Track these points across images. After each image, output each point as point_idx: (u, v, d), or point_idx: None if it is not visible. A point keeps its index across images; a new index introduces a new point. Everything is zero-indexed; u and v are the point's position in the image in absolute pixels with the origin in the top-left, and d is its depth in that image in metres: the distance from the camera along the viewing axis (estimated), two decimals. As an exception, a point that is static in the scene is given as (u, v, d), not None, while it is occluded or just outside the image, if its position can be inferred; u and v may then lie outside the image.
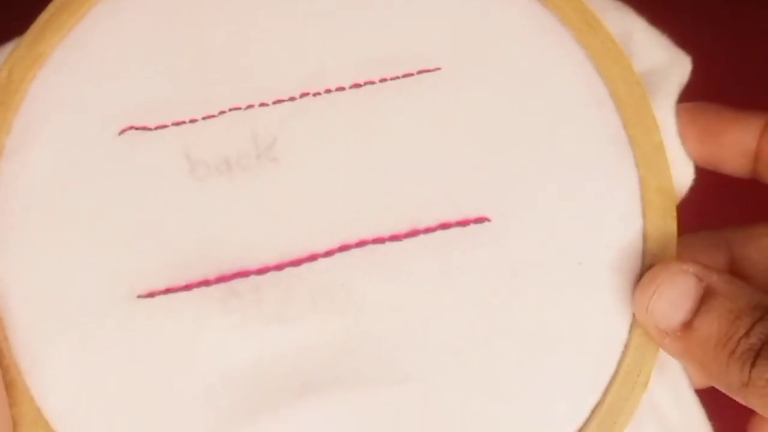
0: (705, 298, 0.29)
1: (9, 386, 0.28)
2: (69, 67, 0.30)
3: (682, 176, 0.32)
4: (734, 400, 0.29)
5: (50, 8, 0.31)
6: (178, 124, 0.30)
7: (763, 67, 0.47)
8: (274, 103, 0.31)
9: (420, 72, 0.31)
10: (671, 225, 0.31)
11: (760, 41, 0.48)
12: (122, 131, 0.30)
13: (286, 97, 0.31)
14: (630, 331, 0.30)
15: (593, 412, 0.30)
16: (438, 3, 0.32)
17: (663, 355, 0.31)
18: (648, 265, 0.30)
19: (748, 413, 0.33)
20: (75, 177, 0.30)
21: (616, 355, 0.30)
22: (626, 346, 0.30)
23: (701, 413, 0.32)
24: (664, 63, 0.32)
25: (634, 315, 0.30)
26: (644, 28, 0.33)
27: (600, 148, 0.31)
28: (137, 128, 0.30)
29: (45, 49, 0.30)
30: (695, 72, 0.33)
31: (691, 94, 0.33)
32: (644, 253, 0.31)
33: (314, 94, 0.31)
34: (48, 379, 0.29)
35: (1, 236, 0.29)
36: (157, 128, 0.30)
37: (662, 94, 0.32)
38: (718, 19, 0.48)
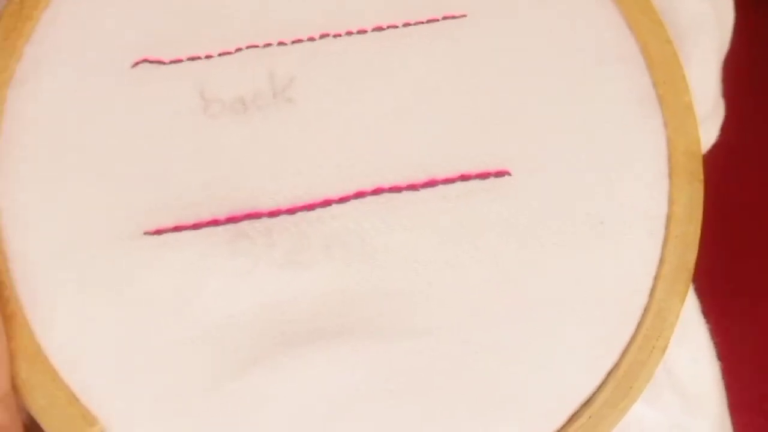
0: None
1: (8, 319, 0.28)
2: None
3: (708, 133, 0.31)
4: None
5: None
6: (193, 59, 0.29)
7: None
8: (293, 42, 0.30)
9: (445, 18, 0.30)
10: (698, 189, 0.30)
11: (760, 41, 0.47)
12: (136, 64, 0.29)
13: (305, 38, 0.30)
14: (650, 295, 0.29)
15: (609, 375, 0.29)
16: None
17: (685, 324, 0.30)
18: (672, 230, 0.29)
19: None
20: (85, 108, 0.29)
21: (635, 318, 0.29)
22: (646, 310, 0.29)
23: (719, 386, 0.31)
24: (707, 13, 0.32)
25: (654, 278, 0.29)
26: None
27: (628, 105, 0.30)
28: (151, 61, 0.29)
29: None
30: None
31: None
32: (669, 216, 0.30)
33: (334, 36, 0.30)
34: (49, 313, 0.28)
35: (6, 166, 0.28)
36: (171, 62, 0.29)
37: (706, 42, 0.31)
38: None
